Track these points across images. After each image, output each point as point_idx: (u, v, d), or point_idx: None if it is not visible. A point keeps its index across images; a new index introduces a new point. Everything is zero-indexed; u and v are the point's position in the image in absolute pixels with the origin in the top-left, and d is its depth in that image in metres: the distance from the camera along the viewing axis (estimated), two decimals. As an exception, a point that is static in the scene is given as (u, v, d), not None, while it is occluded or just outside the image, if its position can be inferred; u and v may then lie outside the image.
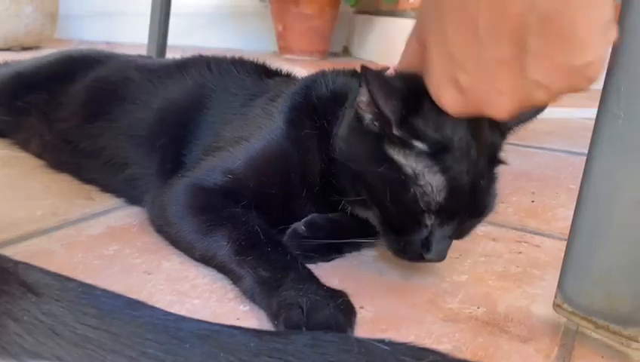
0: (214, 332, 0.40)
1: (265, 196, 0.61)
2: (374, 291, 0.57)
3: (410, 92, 0.54)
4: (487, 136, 0.57)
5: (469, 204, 0.56)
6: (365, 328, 0.49)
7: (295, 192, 0.63)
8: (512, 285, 0.61)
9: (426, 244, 0.56)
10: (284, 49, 3.14)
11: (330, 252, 0.63)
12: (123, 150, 0.74)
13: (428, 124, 0.53)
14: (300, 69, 2.61)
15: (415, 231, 0.56)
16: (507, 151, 0.61)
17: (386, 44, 2.92)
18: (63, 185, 0.79)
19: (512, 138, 0.61)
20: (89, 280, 0.50)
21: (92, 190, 0.78)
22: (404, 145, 0.53)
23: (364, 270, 0.62)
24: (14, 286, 0.38)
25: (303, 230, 0.61)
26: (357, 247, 0.65)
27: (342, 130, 0.60)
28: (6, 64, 0.99)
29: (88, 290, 0.41)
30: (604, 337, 0.49)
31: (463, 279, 0.61)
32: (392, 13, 2.94)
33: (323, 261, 0.62)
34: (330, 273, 0.59)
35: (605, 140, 0.47)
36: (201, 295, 0.53)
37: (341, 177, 0.60)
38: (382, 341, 0.41)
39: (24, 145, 0.89)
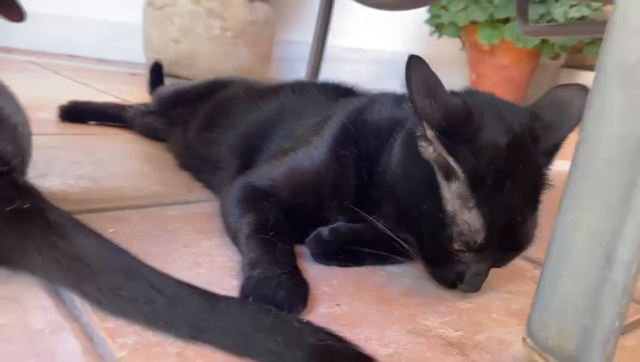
0: (165, 283, 0.49)
1: (296, 202, 0.69)
2: (363, 297, 0.60)
3: (462, 111, 0.58)
4: (529, 165, 0.58)
5: (506, 241, 0.58)
6: (326, 320, 0.53)
7: (325, 204, 0.69)
8: (515, 321, 0.58)
9: (461, 276, 0.59)
10: (475, 98, 3.13)
11: (349, 260, 0.67)
12: (222, 156, 0.88)
13: (467, 148, 0.56)
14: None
15: (450, 266, 0.59)
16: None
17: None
18: (178, 179, 0.96)
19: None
20: (136, 240, 0.63)
21: (198, 186, 0.93)
22: (446, 171, 0.57)
23: (369, 278, 0.65)
24: (40, 221, 0.52)
25: (326, 235, 0.66)
26: (378, 262, 0.68)
27: (395, 152, 0.64)
28: (174, 84, 1.23)
29: (93, 234, 0.53)
30: (554, 377, 0.45)
31: (465, 307, 0.61)
32: (598, 67, 2.73)
33: (340, 266, 0.67)
34: (334, 273, 0.64)
35: (573, 166, 0.45)
36: (211, 267, 0.62)
37: (387, 203, 0.64)
38: (299, 320, 0.46)
39: (170, 148, 1.10)
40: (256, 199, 0.69)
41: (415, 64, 0.56)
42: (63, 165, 0.95)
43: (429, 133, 0.57)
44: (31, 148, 0.71)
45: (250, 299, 0.52)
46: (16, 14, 1.01)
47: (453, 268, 0.59)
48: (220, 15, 2.53)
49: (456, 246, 0.57)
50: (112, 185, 0.88)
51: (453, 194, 0.57)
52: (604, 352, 0.42)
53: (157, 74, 1.43)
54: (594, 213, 0.43)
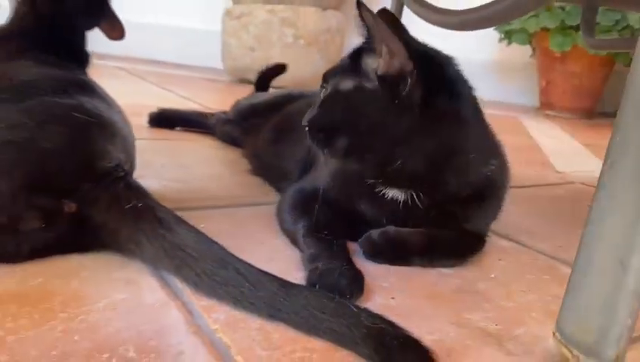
0: (249, 271, 0.59)
1: (341, 203, 0.78)
2: (415, 292, 0.68)
3: None
4: None
5: None
6: (382, 309, 0.61)
7: None
8: (552, 320, 0.64)
9: None
10: (545, 105, 3.11)
11: (397, 259, 0.75)
12: (288, 166, 0.99)
13: None
14: (556, 126, 2.58)
15: None
16: None
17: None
18: (254, 183, 1.08)
19: None
20: (222, 236, 0.74)
21: (271, 189, 1.04)
22: None
23: (423, 277, 0.73)
24: (150, 217, 0.64)
25: (376, 236, 0.75)
26: (425, 263, 0.76)
27: None
28: (251, 96, 1.36)
29: (192, 228, 0.64)
30: (576, 368, 0.52)
31: (508, 305, 0.68)
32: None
33: (389, 264, 0.75)
34: (391, 271, 0.73)
35: (599, 186, 0.52)
36: (283, 261, 0.73)
37: None
38: (357, 306, 0.56)
39: (245, 155, 1.22)
40: (306, 203, 0.79)
41: None
42: (156, 168, 1.09)
43: None
44: (135, 153, 0.84)
45: (317, 286, 0.61)
46: (118, 31, 1.16)
47: None
48: (293, 24, 2.66)
49: None
50: (199, 187, 1.00)
51: None
52: (617, 346, 0.48)
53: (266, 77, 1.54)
54: (614, 227, 0.49)
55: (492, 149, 0.79)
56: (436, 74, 0.71)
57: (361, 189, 0.75)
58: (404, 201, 0.74)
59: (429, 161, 0.70)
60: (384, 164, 0.71)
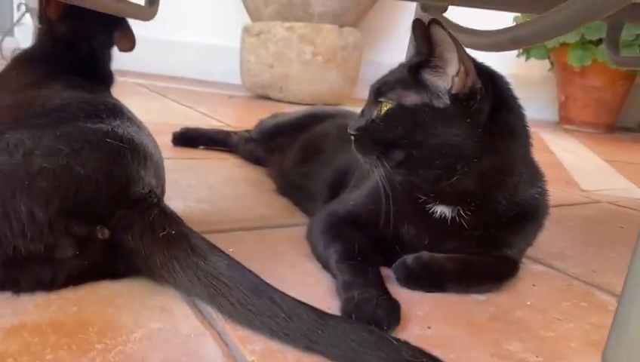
0: (284, 301, 0.58)
1: (374, 226, 0.77)
2: (452, 321, 0.67)
3: None
4: None
5: None
6: (419, 340, 0.60)
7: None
8: (593, 351, 0.63)
9: None
10: (564, 119, 3.08)
11: (431, 286, 0.74)
12: (315, 188, 0.98)
13: None
14: (576, 141, 2.55)
15: None
16: None
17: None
18: (280, 203, 1.08)
19: None
20: (252, 260, 0.74)
21: (297, 209, 1.04)
22: None
23: (458, 305, 0.72)
24: (184, 245, 0.63)
25: (410, 262, 0.74)
26: (461, 290, 0.75)
27: None
28: (274, 115, 1.36)
29: (225, 256, 0.64)
30: (626, 405, 0.50)
31: (547, 335, 0.66)
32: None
33: (423, 291, 0.74)
34: (426, 299, 0.72)
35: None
36: (316, 287, 0.72)
37: None
38: (397, 339, 0.54)
39: (269, 174, 1.22)
40: (338, 227, 0.79)
41: None
42: (182, 188, 1.09)
43: None
44: (165, 177, 0.84)
45: (353, 317, 0.60)
46: (130, 43, 1.15)
47: None
48: (311, 41, 2.67)
49: None
50: (226, 208, 1.00)
51: None
52: (671, 385, 0.47)
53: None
54: (665, 259, 0.48)
55: (537, 171, 0.79)
56: (495, 91, 0.71)
57: (407, 207, 0.75)
58: (450, 220, 0.73)
59: (485, 177, 0.71)
60: (440, 180, 0.71)
